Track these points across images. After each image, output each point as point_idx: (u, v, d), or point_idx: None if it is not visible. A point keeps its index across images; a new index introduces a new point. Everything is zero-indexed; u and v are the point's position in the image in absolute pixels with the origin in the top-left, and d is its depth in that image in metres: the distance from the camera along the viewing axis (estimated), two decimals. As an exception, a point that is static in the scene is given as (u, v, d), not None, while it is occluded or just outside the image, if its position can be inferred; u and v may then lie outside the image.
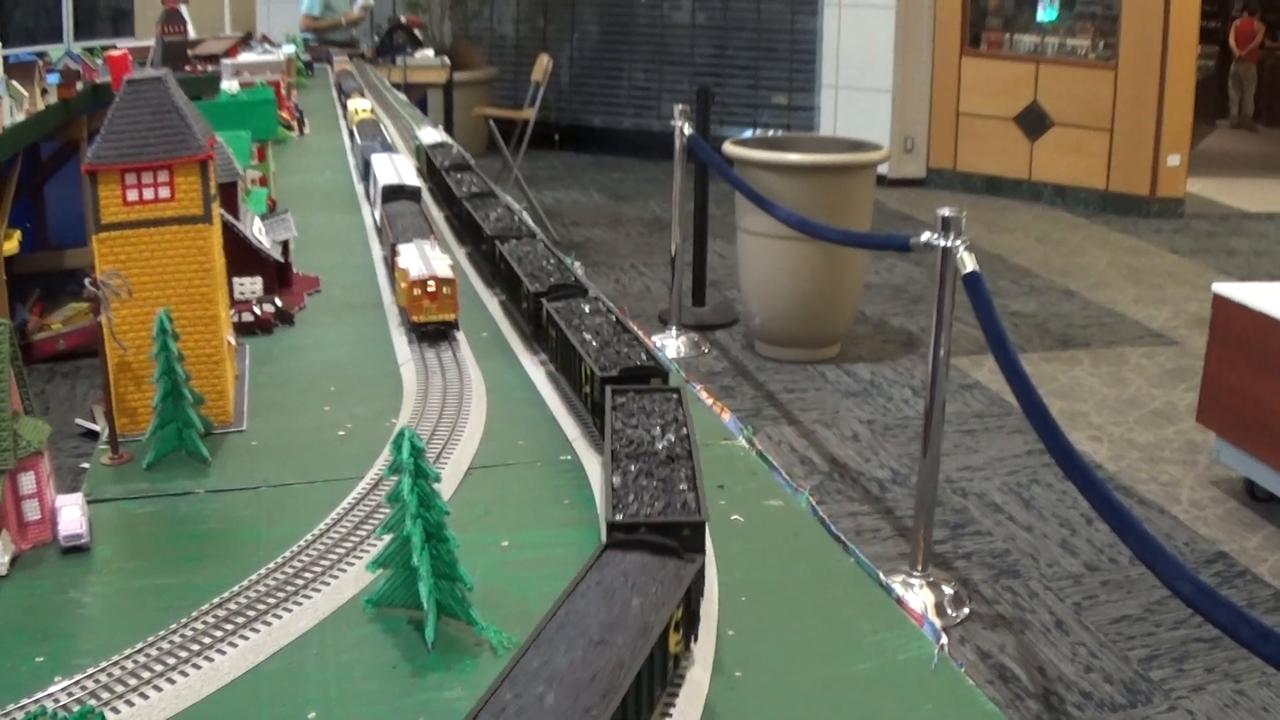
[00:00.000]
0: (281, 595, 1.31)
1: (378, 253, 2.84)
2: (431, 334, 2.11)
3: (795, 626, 1.29)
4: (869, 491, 4.48)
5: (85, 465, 1.73)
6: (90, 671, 1.17)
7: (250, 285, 2.34)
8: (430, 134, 3.99)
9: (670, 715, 1.09)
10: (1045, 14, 9.98)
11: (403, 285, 2.14)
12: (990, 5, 10.21)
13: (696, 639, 1.18)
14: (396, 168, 2.96)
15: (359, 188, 3.76)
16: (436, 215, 3.20)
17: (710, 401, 1.95)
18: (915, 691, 1.18)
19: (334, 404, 1.92)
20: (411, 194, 2.74)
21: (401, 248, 2.23)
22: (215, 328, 1.76)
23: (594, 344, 1.78)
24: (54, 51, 6.74)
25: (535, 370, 2.06)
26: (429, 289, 2.08)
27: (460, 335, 2.16)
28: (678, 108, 5.95)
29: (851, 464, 4.73)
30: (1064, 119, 9.61)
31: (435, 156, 3.50)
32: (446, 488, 1.57)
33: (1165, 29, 8.97)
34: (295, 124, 4.91)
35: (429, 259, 2.15)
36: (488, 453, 1.72)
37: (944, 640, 1.25)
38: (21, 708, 1.11)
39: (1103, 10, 9.56)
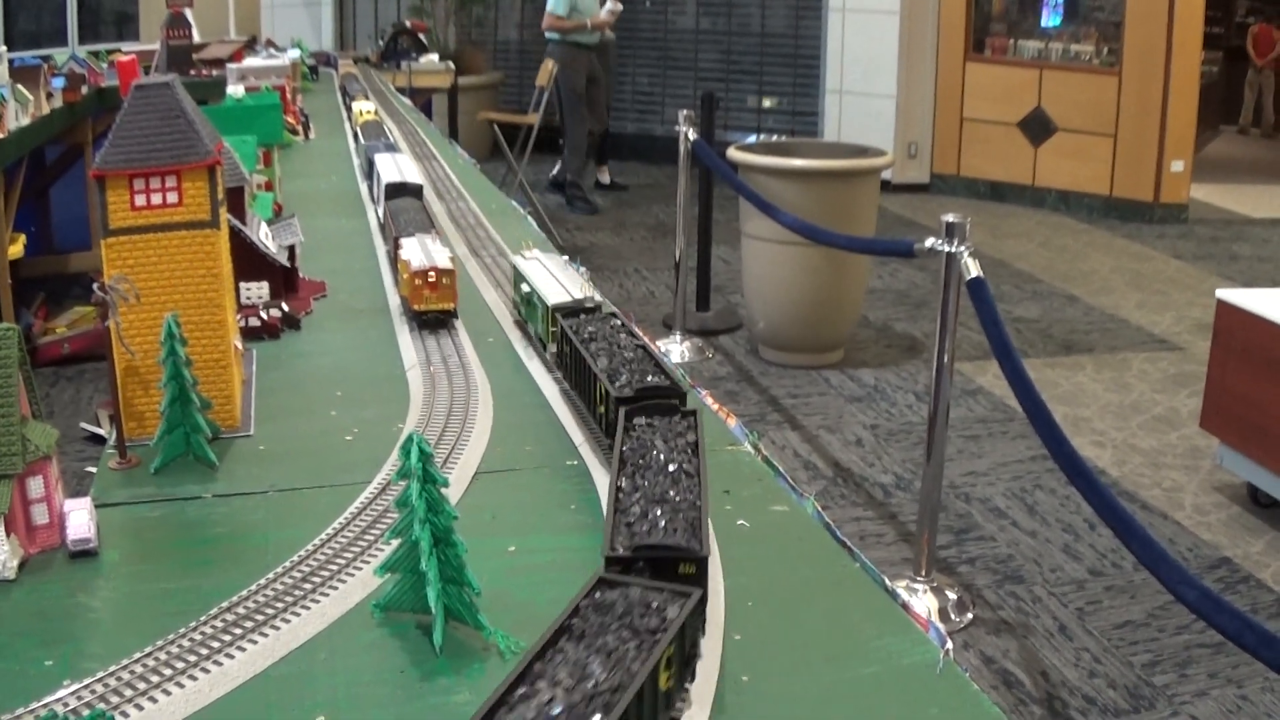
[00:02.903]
0: (290, 599, 1.31)
1: (383, 257, 2.85)
2: (432, 322, 2.22)
3: (801, 631, 1.30)
4: (873, 497, 4.48)
5: (90, 469, 1.74)
6: (99, 675, 1.17)
7: (257, 290, 2.35)
8: (560, 281, 2.10)
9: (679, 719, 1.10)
10: (1049, 20, 9.99)
11: (405, 276, 2.25)
12: (994, 11, 10.22)
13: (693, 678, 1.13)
14: (399, 166, 3.03)
15: (363, 187, 3.78)
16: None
17: (716, 407, 1.95)
18: (920, 696, 1.19)
19: (341, 409, 1.93)
20: (414, 191, 2.82)
21: (404, 241, 2.34)
22: (223, 333, 1.76)
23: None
24: (59, 55, 6.75)
25: (541, 375, 2.06)
26: (429, 279, 2.20)
27: (466, 342, 2.18)
28: (682, 113, 5.96)
29: (855, 469, 4.73)
30: (1068, 124, 9.61)
31: (590, 339, 1.78)
32: (453, 492, 1.58)
33: (1169, 35, 8.98)
34: (301, 129, 4.91)
35: (430, 251, 2.27)
36: (494, 458, 1.73)
37: (949, 645, 1.26)
38: (31, 711, 1.11)
39: (1107, 16, 9.56)
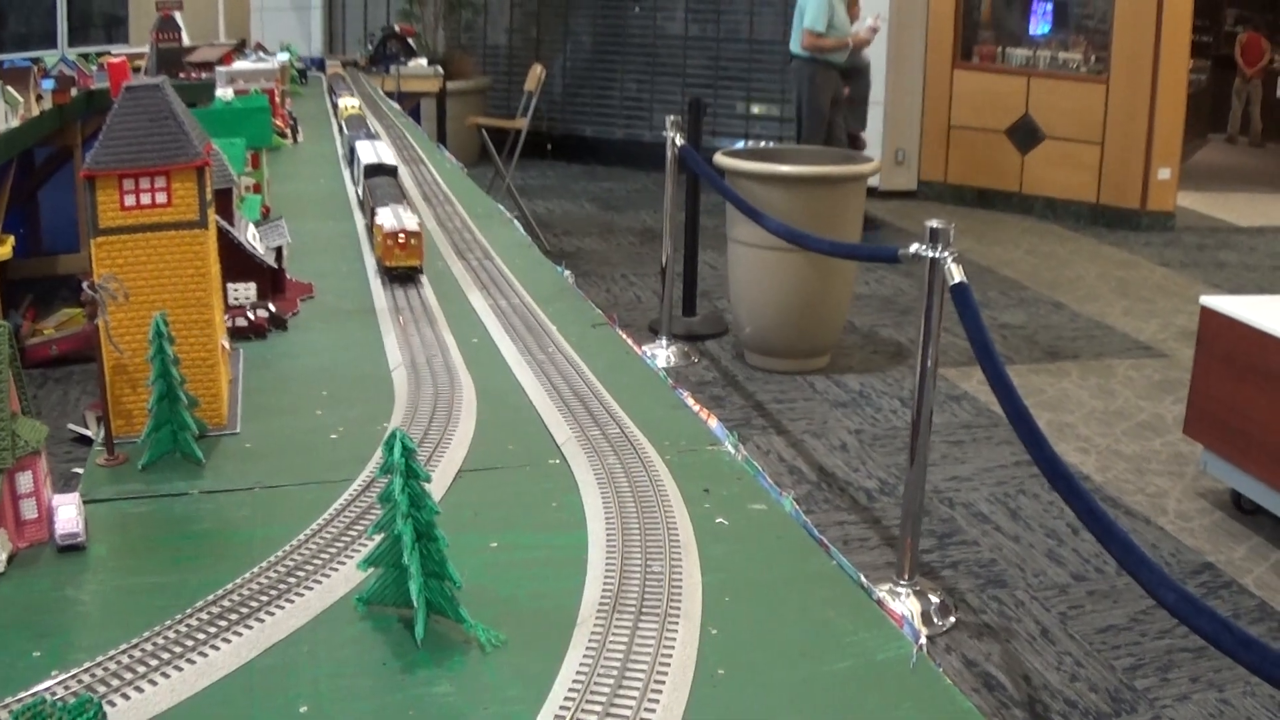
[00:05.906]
0: (274, 593, 1.33)
1: (370, 260, 2.86)
2: (401, 276, 2.58)
3: (777, 626, 1.32)
4: (857, 501, 4.51)
5: (77, 470, 1.75)
6: (86, 666, 1.19)
7: (244, 291, 2.36)
8: None
9: (654, 712, 1.12)
10: (1038, 27, 10.04)
11: (379, 238, 2.61)
12: (983, 18, 10.27)
13: None
14: (376, 150, 3.30)
15: (346, 173, 3.94)
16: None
17: (697, 408, 1.97)
18: (894, 690, 1.21)
19: (326, 408, 1.94)
20: (389, 171, 3.13)
21: (379, 210, 2.69)
22: (210, 332, 1.78)
23: None
24: (49, 57, 6.76)
25: (525, 375, 2.08)
26: (399, 240, 2.55)
27: (451, 343, 2.20)
28: (669, 118, 5.97)
29: (840, 474, 4.75)
30: (1055, 132, 9.66)
31: None
32: (437, 490, 1.60)
33: (1157, 43, 9.03)
34: (289, 132, 4.93)
35: (400, 217, 2.62)
36: (477, 456, 1.75)
37: (922, 640, 1.28)
38: (19, 700, 1.13)
39: (1095, 24, 9.62)
